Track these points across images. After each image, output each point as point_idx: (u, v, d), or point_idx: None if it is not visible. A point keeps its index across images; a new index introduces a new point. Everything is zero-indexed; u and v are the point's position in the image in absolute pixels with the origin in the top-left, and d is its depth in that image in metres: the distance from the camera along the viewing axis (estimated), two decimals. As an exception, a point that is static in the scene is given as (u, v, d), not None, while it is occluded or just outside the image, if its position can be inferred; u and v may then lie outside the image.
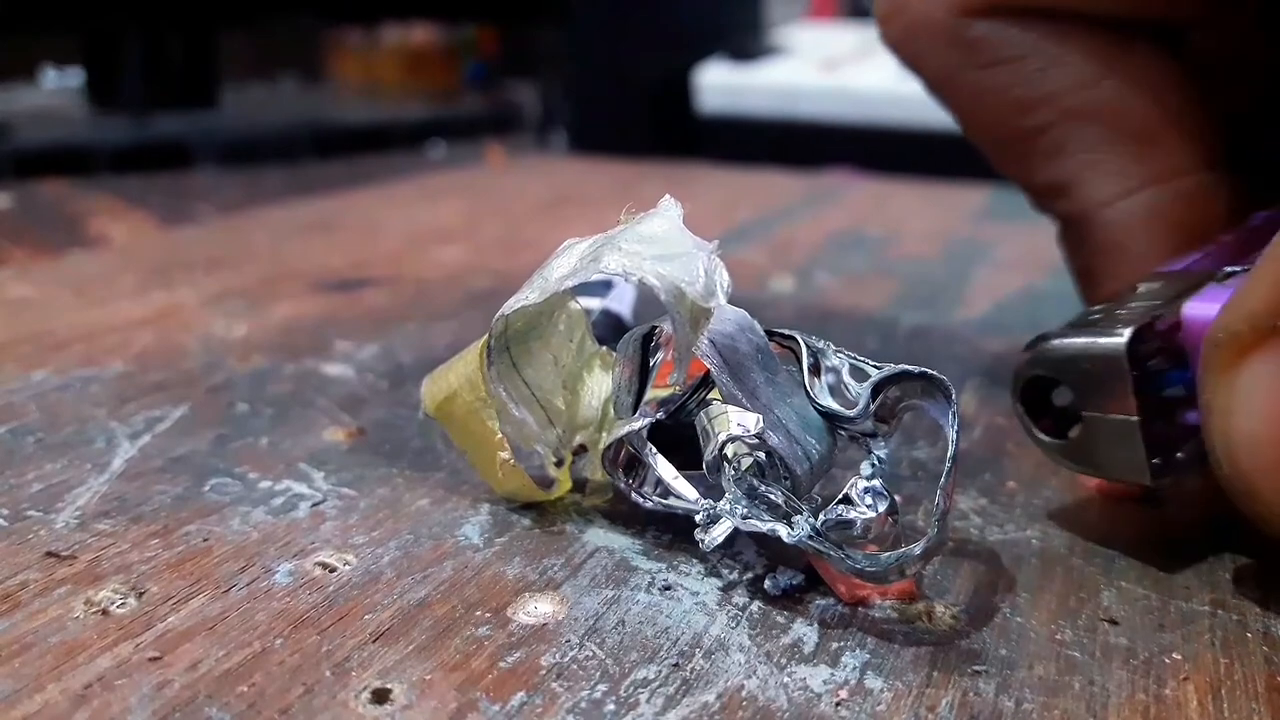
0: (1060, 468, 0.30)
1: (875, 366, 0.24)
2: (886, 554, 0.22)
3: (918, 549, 0.21)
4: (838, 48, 1.01)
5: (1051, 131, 0.29)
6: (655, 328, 0.25)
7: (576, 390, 0.27)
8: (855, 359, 0.24)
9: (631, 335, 0.25)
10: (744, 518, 0.22)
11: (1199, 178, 0.28)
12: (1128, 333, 0.23)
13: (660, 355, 0.25)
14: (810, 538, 0.22)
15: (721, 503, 0.23)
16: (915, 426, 0.32)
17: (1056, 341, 0.25)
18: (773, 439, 0.23)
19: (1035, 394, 0.25)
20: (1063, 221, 0.31)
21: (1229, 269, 0.24)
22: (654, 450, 0.24)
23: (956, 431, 0.23)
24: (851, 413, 0.24)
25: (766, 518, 0.22)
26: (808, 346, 0.24)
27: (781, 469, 0.23)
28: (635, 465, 0.25)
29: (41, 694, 0.19)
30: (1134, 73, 0.28)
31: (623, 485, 0.25)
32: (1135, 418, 0.23)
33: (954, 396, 0.23)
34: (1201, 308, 0.23)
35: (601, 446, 0.25)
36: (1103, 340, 0.24)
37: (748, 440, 0.23)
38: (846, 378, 0.24)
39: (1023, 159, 0.30)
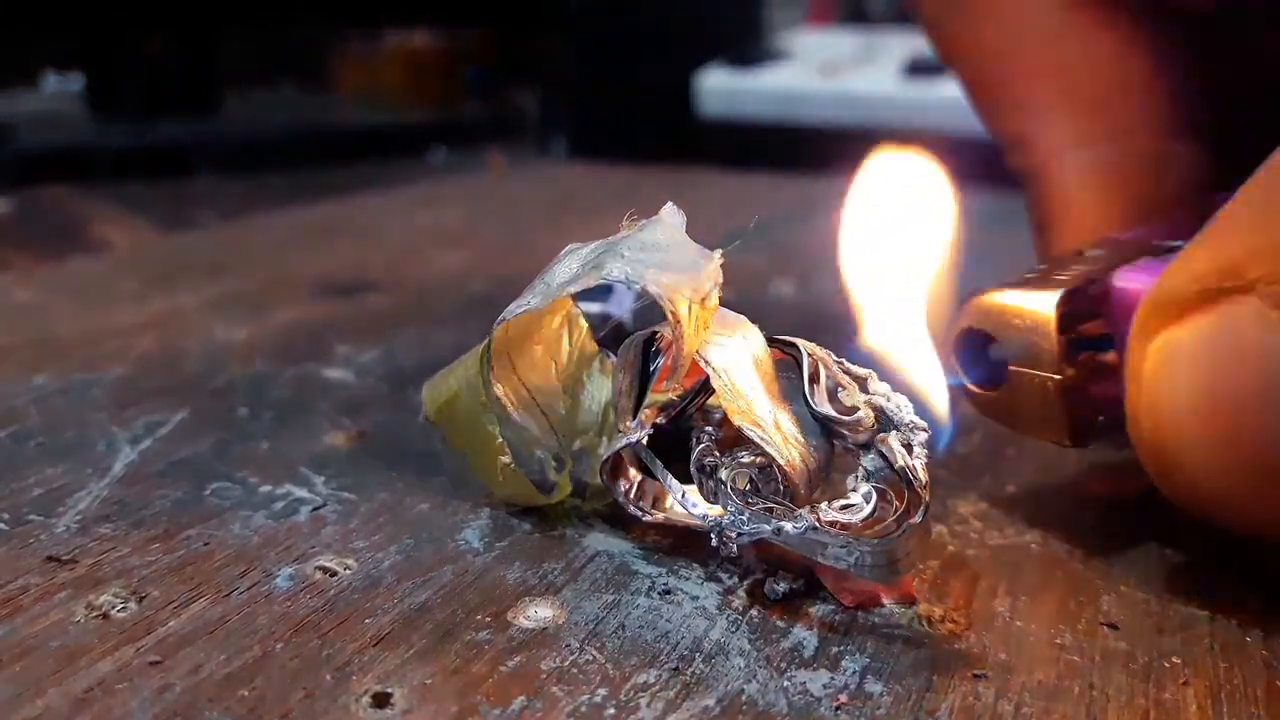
0: (1057, 471, 0.30)
1: (870, 385, 0.24)
2: (879, 541, 0.22)
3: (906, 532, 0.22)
4: (837, 52, 1.02)
5: (1017, 82, 0.29)
6: (656, 333, 0.25)
7: (577, 395, 0.27)
8: (854, 369, 0.24)
9: (633, 340, 0.25)
10: (751, 527, 0.22)
11: (1157, 144, 0.29)
12: (1058, 294, 0.24)
13: (661, 360, 0.25)
14: (813, 529, 0.22)
15: (726, 518, 0.23)
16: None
17: (992, 296, 0.25)
18: (768, 447, 0.23)
19: (970, 347, 0.26)
20: (1025, 177, 0.31)
21: (1170, 243, 0.25)
22: (658, 462, 0.24)
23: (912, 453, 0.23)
24: (849, 419, 0.24)
25: (768, 520, 0.22)
26: (808, 354, 0.24)
27: (780, 478, 0.23)
28: (633, 477, 0.25)
29: (43, 698, 0.19)
30: (1104, 32, 0.29)
31: (621, 498, 0.25)
32: (1058, 377, 0.24)
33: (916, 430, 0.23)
34: (1131, 277, 0.24)
35: (600, 456, 0.25)
36: (1034, 299, 0.24)
37: (741, 457, 0.23)
38: (845, 387, 0.24)
39: (993, 108, 0.31)
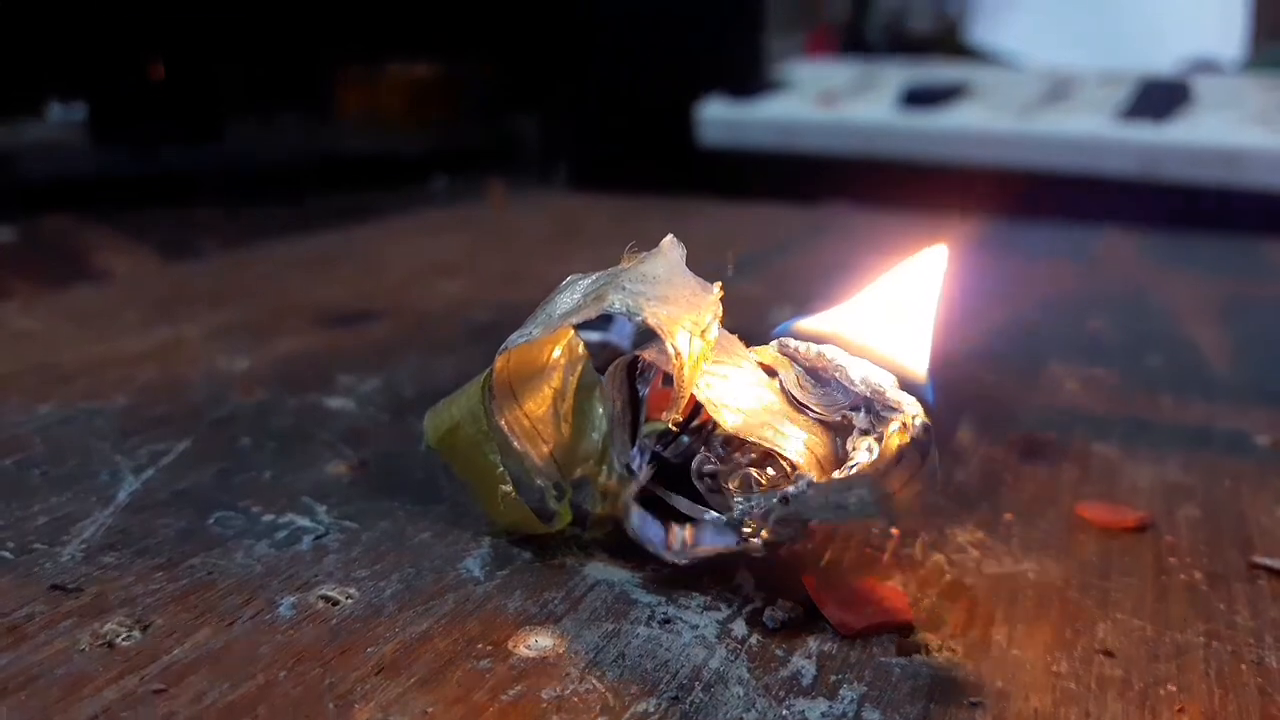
0: (1054, 501, 0.30)
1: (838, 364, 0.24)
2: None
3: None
4: (836, 82, 1.03)
5: None
6: (637, 357, 0.25)
7: (577, 424, 0.27)
8: (824, 354, 0.25)
9: (616, 367, 0.25)
10: (762, 514, 0.23)
11: None
12: None
13: (649, 385, 0.25)
14: (810, 485, 0.22)
15: (737, 510, 0.23)
16: (913, 459, 0.33)
17: None
18: (774, 448, 0.23)
19: None
20: None
21: None
22: (662, 488, 0.25)
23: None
24: (827, 399, 0.24)
25: (774, 495, 0.23)
26: (793, 360, 0.25)
27: (791, 471, 0.23)
28: (667, 527, 0.25)
29: (47, 726, 0.19)
30: None
31: (656, 549, 0.25)
32: None
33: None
34: None
35: (621, 504, 0.26)
36: None
37: (739, 460, 0.24)
38: (823, 371, 0.25)
39: None
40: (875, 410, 0.23)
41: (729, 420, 0.23)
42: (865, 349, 0.26)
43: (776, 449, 0.23)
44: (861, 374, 0.24)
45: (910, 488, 0.22)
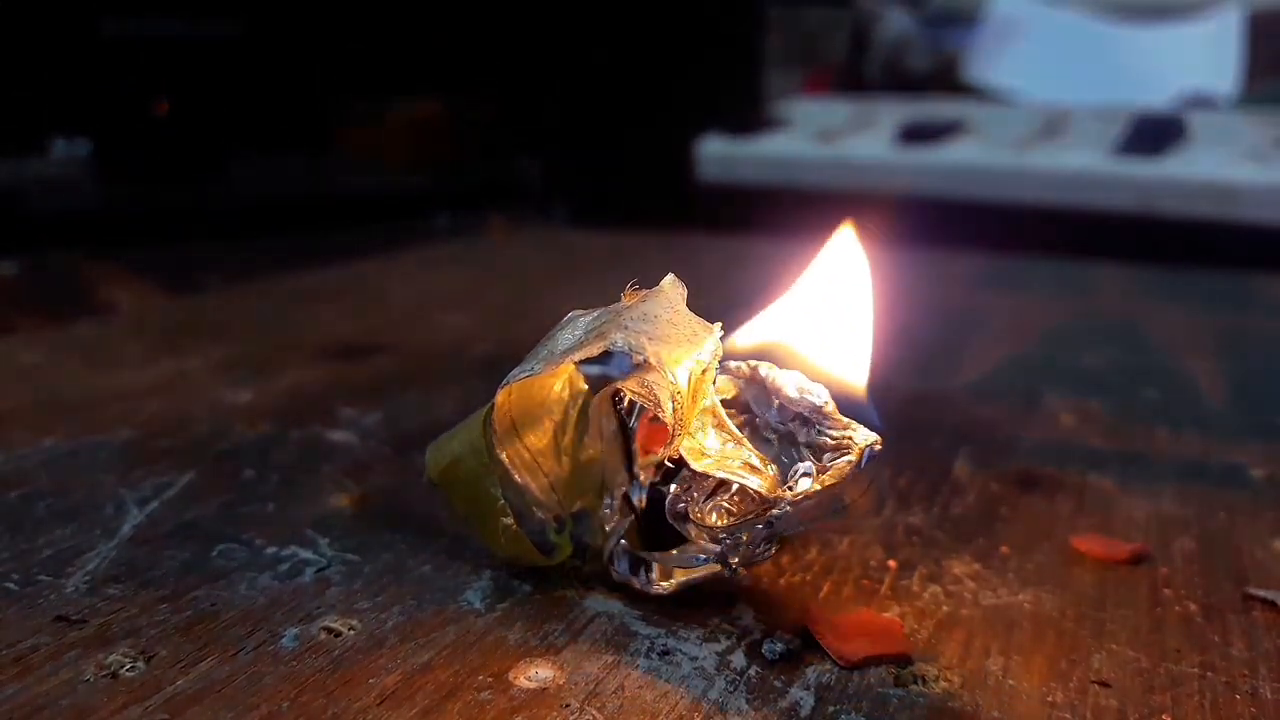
0: (1049, 533, 0.30)
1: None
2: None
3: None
4: (833, 119, 1.04)
5: None
6: (617, 389, 0.26)
7: (577, 457, 0.28)
8: (769, 376, 0.25)
9: (599, 401, 0.26)
10: (749, 545, 0.24)
11: None
12: None
13: (636, 414, 0.26)
14: (788, 506, 0.23)
15: (725, 545, 0.24)
16: (911, 492, 0.33)
17: None
18: (747, 482, 0.24)
19: None
20: None
21: None
22: (657, 554, 0.25)
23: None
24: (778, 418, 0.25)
25: (758, 523, 0.24)
26: (734, 376, 0.25)
27: (759, 497, 0.24)
28: (640, 562, 0.26)
29: (53, 756, 0.19)
30: None
31: (639, 585, 0.26)
32: None
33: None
34: None
35: (607, 525, 0.26)
36: None
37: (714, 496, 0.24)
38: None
39: None
40: (814, 426, 0.24)
41: (708, 467, 0.24)
42: (800, 361, 0.26)
43: (746, 484, 0.24)
44: (796, 390, 0.25)
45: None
